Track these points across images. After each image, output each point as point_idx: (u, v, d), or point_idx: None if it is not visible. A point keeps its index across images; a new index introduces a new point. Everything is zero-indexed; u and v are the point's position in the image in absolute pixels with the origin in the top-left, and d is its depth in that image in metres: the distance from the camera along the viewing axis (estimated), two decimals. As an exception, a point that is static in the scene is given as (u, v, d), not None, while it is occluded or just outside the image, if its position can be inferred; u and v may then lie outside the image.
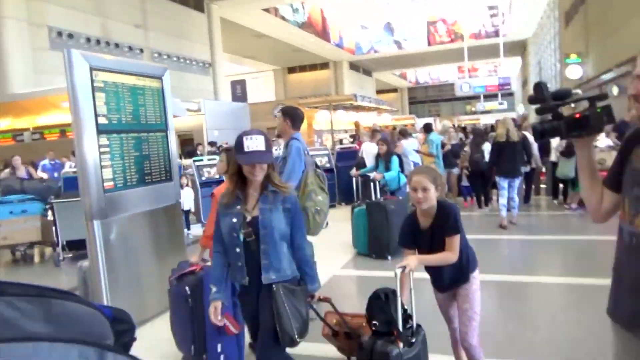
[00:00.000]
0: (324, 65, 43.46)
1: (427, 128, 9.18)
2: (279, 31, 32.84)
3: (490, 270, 4.86)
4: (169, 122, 4.39)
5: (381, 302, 2.45)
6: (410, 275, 2.44)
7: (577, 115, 1.35)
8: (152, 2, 22.35)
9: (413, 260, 2.39)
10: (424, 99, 62.85)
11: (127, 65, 4.06)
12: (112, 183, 3.74)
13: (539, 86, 1.44)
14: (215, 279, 2.33)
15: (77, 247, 6.71)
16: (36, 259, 7.72)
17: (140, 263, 4.13)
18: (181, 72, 23.47)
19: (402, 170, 6.80)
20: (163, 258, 4.17)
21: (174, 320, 3.23)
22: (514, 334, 3.74)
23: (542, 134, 1.46)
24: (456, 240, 2.42)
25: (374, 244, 6.18)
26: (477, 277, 2.60)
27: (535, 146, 8.14)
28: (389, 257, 5.98)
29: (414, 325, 2.46)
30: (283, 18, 31.63)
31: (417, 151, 8.89)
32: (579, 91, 13.18)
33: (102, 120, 3.71)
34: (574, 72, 16.02)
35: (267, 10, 29.08)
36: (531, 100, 1.50)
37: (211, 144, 15.18)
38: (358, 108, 22.12)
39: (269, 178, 2.26)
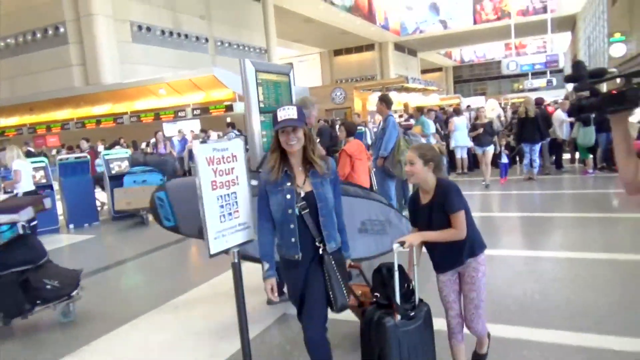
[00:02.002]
0: (370, 47, 44.26)
1: (420, 111, 10.44)
2: (328, 15, 34.12)
3: (521, 210, 7.00)
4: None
5: (382, 275, 2.50)
6: (414, 251, 2.48)
7: (614, 92, 1.39)
8: (215, -6, 24.31)
9: (414, 236, 2.44)
10: (470, 78, 62.50)
11: (272, 67, 5.86)
12: (266, 146, 5.56)
13: (578, 65, 1.49)
14: (267, 256, 2.38)
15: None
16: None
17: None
18: (241, 58, 25.39)
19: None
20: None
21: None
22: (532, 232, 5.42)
23: (580, 110, 1.51)
24: (460, 216, 2.39)
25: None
26: (482, 263, 2.52)
27: (558, 122, 9.63)
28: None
29: (416, 300, 2.48)
30: (332, 3, 32.92)
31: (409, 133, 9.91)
32: (614, 70, 14.02)
33: (261, 105, 5.53)
34: (618, 50, 16.70)
35: (317, -5, 30.53)
36: (568, 79, 1.58)
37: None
38: (408, 89, 23.44)
39: (307, 152, 2.33)
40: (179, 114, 16.38)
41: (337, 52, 45.28)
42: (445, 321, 2.61)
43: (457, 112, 10.64)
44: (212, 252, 2.44)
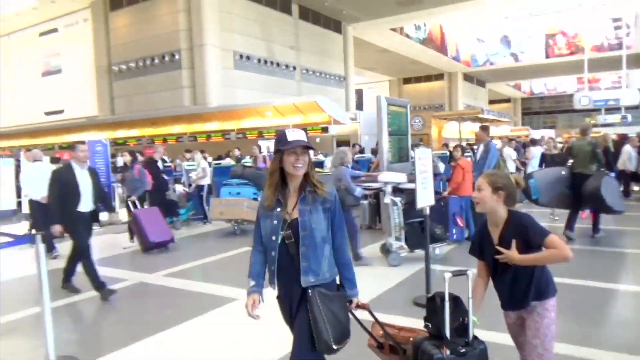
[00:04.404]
0: (439, 77, 45.59)
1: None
2: (402, 47, 36.09)
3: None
4: (408, 129, 8.04)
5: (435, 305, 2.35)
6: (469, 282, 2.34)
7: None
8: (303, 27, 26.90)
9: (515, 255, 2.24)
10: (539, 110, 62.09)
11: (396, 101, 7.78)
12: (390, 160, 7.43)
13: None
14: (254, 275, 2.31)
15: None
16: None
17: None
18: (323, 85, 27.78)
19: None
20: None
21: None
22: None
23: None
24: (554, 238, 2.21)
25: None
26: (551, 309, 2.31)
27: (627, 155, 10.85)
28: None
29: (471, 336, 2.30)
30: (407, 35, 34.93)
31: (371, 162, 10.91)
32: None
33: (389, 129, 7.43)
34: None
35: (394, 29, 32.62)
36: None
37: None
38: (481, 120, 24.85)
39: (308, 177, 2.23)
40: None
41: (407, 80, 46.92)
42: None
43: (534, 142, 12.06)
44: (418, 206, 4.24)
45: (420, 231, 5.70)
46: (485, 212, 2.36)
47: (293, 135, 2.16)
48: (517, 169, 11.32)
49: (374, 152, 12.53)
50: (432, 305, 2.37)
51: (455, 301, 2.31)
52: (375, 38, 33.43)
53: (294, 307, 2.21)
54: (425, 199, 4.23)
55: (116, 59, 24.50)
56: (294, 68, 26.15)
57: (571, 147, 7.34)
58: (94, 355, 3.49)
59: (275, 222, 2.20)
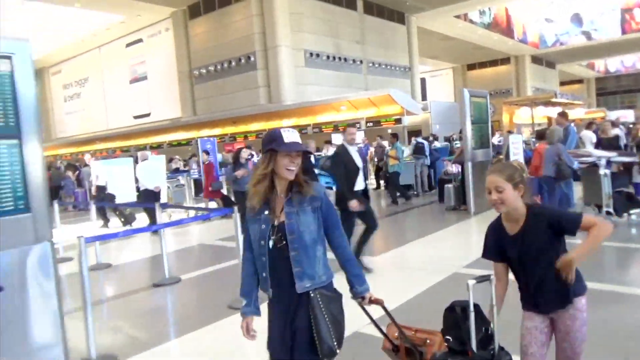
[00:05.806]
0: (505, 61, 44.51)
1: (395, 136, 11.46)
2: (466, 33, 35.82)
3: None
4: (488, 117, 8.79)
5: (456, 315, 2.12)
6: (492, 287, 2.12)
7: None
8: (368, 21, 27.61)
9: (573, 255, 1.99)
10: (616, 90, 58.74)
11: (476, 92, 8.60)
12: (474, 146, 8.20)
13: None
14: (246, 291, 2.19)
15: (408, 189, 11.47)
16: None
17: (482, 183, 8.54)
18: (389, 77, 28.40)
19: None
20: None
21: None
22: None
23: None
24: (588, 219, 2.03)
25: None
26: (583, 310, 2.13)
27: None
28: None
29: (496, 348, 2.11)
30: (471, 21, 34.65)
31: (387, 155, 11.15)
32: None
33: (471, 119, 8.22)
34: None
35: (458, 16, 32.52)
36: None
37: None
38: (554, 104, 24.57)
39: (297, 177, 2.07)
40: (355, 125, 19.82)
41: (471, 67, 46.19)
42: None
43: (613, 124, 12.21)
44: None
45: (625, 198, 6.58)
46: (508, 211, 2.14)
47: (289, 135, 2.05)
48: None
49: (448, 139, 13.20)
50: (451, 317, 2.15)
51: (475, 310, 2.08)
52: (439, 26, 33.48)
53: (291, 312, 2.09)
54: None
55: (196, 63, 26.50)
56: (361, 62, 26.98)
57: None
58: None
59: (264, 226, 2.10)
